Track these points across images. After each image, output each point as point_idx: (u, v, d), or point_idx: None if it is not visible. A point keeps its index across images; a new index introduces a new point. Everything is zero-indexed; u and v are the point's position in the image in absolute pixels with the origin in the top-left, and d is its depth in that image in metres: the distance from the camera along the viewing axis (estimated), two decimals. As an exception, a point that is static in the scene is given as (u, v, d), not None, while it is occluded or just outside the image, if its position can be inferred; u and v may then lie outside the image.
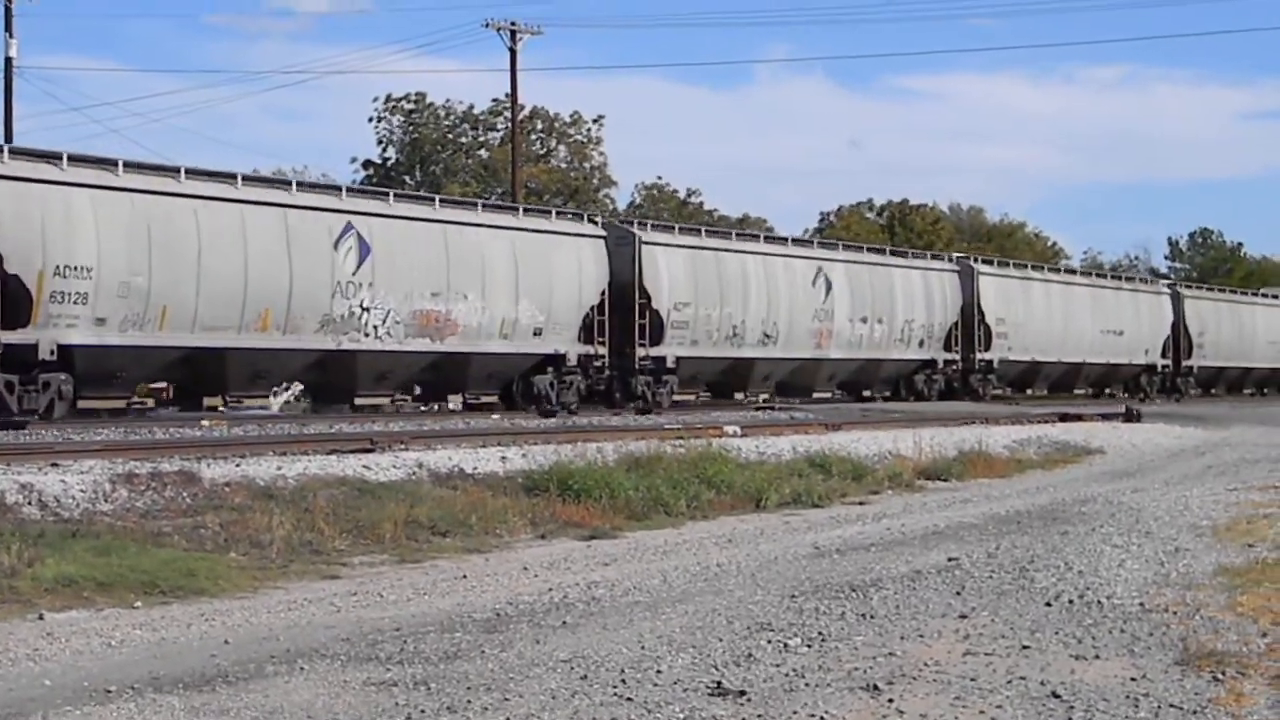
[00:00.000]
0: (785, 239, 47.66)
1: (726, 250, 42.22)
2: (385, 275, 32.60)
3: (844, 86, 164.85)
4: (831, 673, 9.54)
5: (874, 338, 46.59)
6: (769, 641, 10.48)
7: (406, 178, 76.08)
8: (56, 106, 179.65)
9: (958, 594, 12.50)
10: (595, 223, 39.71)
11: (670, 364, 39.35)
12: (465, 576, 14.26)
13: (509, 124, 66.32)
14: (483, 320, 34.85)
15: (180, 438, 23.27)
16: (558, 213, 40.80)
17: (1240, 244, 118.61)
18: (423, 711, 8.68)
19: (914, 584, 13.05)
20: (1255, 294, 75.17)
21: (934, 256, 53.53)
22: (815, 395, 45.38)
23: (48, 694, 9.25)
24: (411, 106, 78.20)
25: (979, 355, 50.93)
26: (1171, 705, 8.82)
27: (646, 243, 39.26)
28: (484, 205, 37.69)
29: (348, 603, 12.72)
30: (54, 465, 17.58)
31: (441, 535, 16.96)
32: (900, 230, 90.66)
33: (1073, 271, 63.16)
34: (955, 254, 57.01)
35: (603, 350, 37.90)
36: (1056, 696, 8.97)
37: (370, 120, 78.88)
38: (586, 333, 37.64)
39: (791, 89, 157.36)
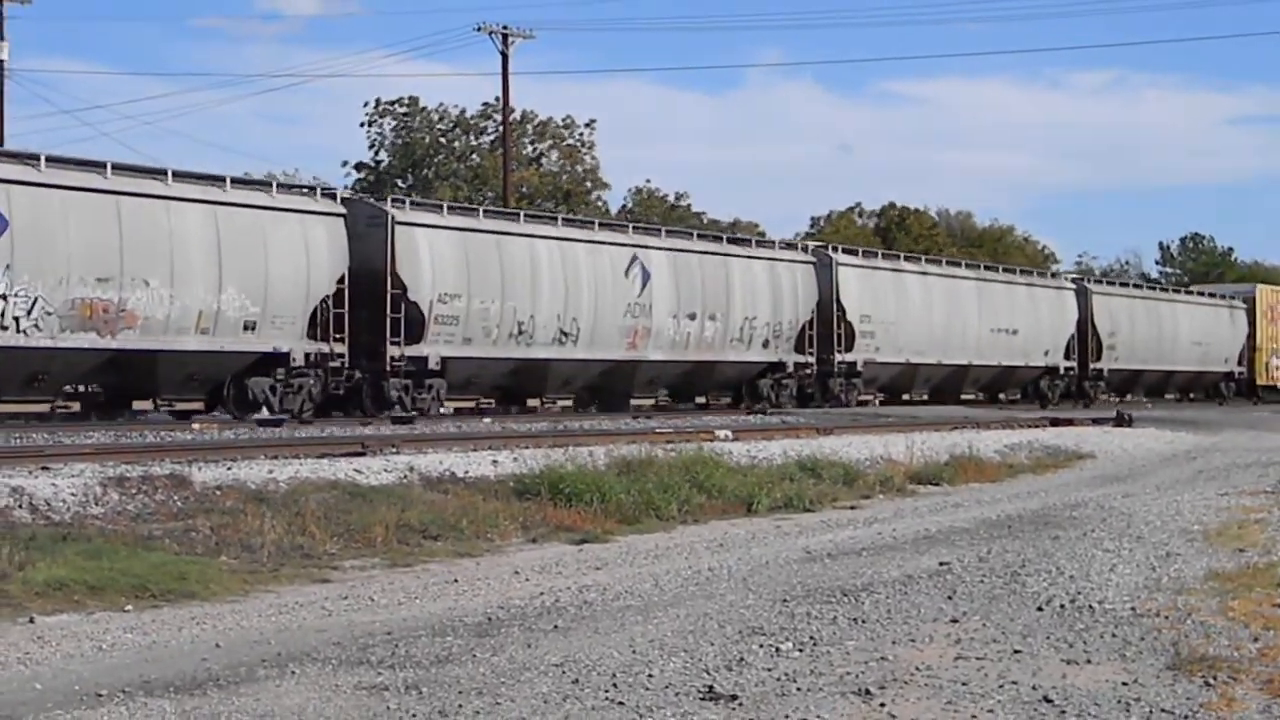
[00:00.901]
0: (592, 221, 42.37)
1: (511, 234, 36.78)
2: (30, 256, 27.48)
3: (834, 91, 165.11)
4: (823, 677, 9.54)
5: (705, 337, 41.46)
6: (761, 646, 10.48)
7: (399, 181, 76.05)
8: (48, 109, 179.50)
9: (949, 598, 12.50)
10: (333, 198, 33.99)
11: (434, 365, 34.14)
12: (456, 580, 14.25)
13: (500, 128, 66.29)
14: (171, 311, 29.59)
15: (171, 441, 23.26)
16: (280, 185, 35.60)
17: (1231, 249, 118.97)
18: (414, 715, 8.68)
19: (905, 588, 13.05)
20: (1177, 290, 71.26)
21: (785, 245, 48.03)
22: (632, 402, 41.10)
23: (38, 697, 9.23)
24: (404, 110, 78.17)
25: (839, 357, 46.11)
26: (1163, 710, 8.82)
27: (402, 222, 33.93)
28: (176, 174, 30.78)
29: (339, 606, 12.71)
30: (44, 468, 17.56)
31: (433, 539, 16.94)
32: (898, 235, 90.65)
33: (956, 264, 56.83)
34: (812, 243, 51.50)
35: (340, 348, 32.63)
36: (1048, 701, 8.97)
37: (361, 125, 78.90)
38: (321, 328, 32.43)
39: (782, 93, 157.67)
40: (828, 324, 45.70)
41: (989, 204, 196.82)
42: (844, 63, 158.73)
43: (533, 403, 38.25)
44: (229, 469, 18.41)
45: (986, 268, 57.03)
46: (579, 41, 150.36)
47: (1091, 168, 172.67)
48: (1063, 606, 12.02)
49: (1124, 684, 9.38)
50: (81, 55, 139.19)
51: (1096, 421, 39.90)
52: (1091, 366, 57.10)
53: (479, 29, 58.18)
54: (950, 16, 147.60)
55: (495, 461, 21.06)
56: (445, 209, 36.83)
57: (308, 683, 9.49)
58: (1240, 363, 68.16)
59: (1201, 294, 70.23)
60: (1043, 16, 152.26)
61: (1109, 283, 64.25)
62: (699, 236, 44.62)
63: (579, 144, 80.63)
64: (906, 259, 52.80)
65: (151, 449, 21.01)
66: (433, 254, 34.40)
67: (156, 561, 14.14)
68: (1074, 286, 57.50)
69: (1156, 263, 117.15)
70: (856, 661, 9.99)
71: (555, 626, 11.36)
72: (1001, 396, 54.32)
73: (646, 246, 40.41)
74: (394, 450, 21.66)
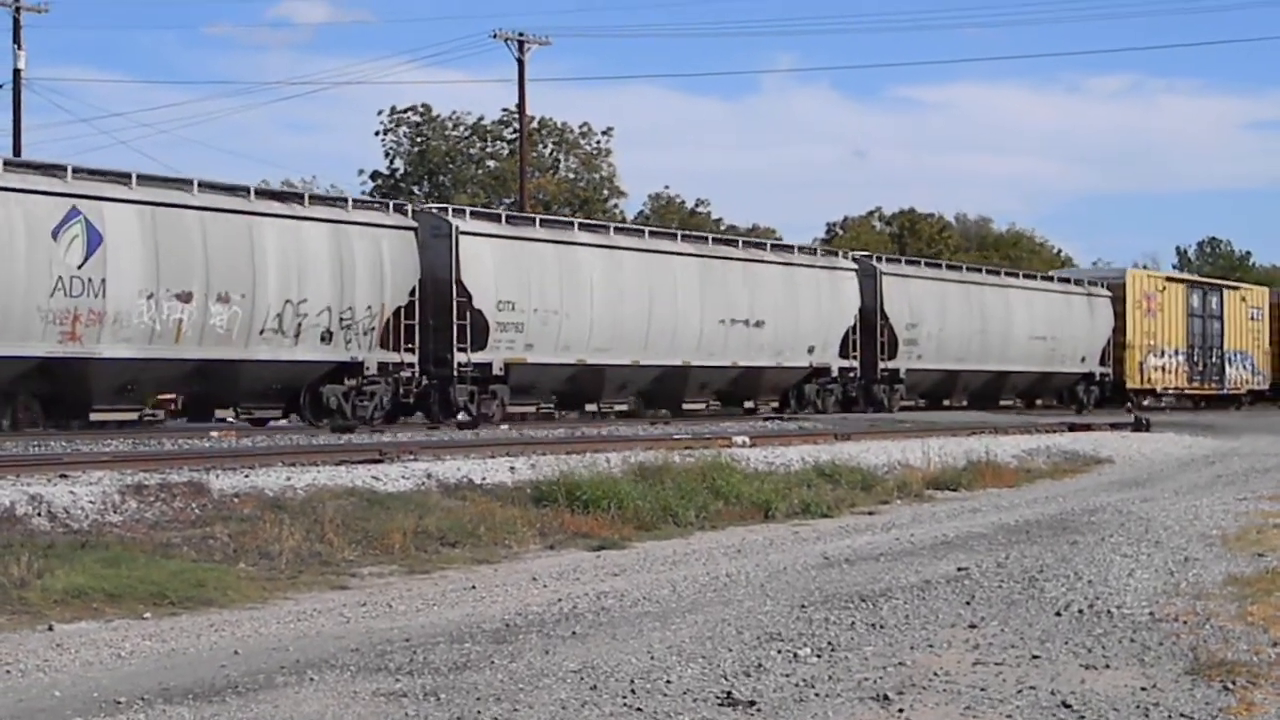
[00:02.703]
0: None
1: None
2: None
3: (850, 97, 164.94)
4: (841, 683, 9.54)
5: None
6: (779, 651, 10.48)
7: (415, 189, 76.13)
8: (65, 118, 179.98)
9: (967, 604, 12.49)
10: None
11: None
12: (474, 587, 14.26)
13: (517, 135, 66.37)
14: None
15: (189, 449, 23.28)
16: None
17: (1249, 253, 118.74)
18: (432, 722, 8.69)
19: (923, 594, 13.05)
20: (1012, 273, 56.48)
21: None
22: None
23: (57, 705, 9.25)
24: (418, 119, 78.26)
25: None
26: (1182, 715, 8.81)
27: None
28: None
29: (357, 613, 12.72)
30: (63, 476, 17.58)
31: (450, 546, 16.96)
32: (909, 240, 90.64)
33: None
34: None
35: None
36: (1067, 706, 8.97)
37: (377, 133, 78.98)
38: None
39: (798, 99, 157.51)
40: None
41: (1006, 209, 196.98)
42: (860, 68, 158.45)
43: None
44: (247, 476, 18.43)
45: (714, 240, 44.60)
46: (595, 48, 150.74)
47: (1108, 172, 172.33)
48: (1081, 611, 12.01)
49: (1143, 689, 9.37)
50: (98, 63, 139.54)
51: (1115, 426, 39.86)
52: (883, 367, 46.20)
53: (495, 36, 58.15)
54: (966, 21, 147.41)
55: (512, 468, 21.07)
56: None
57: (326, 689, 9.50)
58: (1104, 362, 55.91)
59: (1050, 279, 57.95)
60: (1059, 21, 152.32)
61: (910, 262, 52.02)
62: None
63: (595, 151, 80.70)
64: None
65: (169, 457, 21.04)
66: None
67: (175, 569, 14.17)
68: (855, 267, 46.12)
69: (1174, 266, 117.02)
70: (875, 667, 9.99)
71: (573, 633, 11.37)
72: (749, 403, 43.46)
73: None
74: (411, 457, 21.68)
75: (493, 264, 34.65)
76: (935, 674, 9.76)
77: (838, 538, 18.35)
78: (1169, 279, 62.40)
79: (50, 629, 11.93)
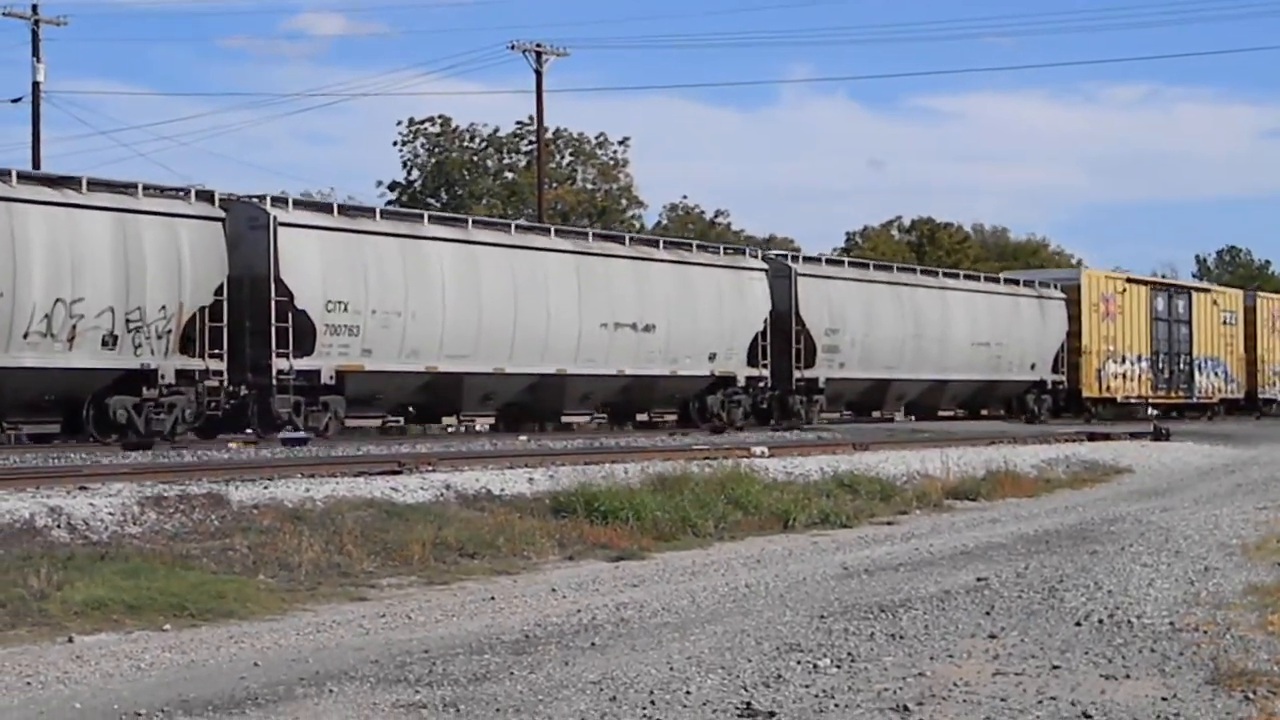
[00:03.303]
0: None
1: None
2: None
3: (867, 107, 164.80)
4: (861, 693, 9.52)
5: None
6: (798, 662, 10.46)
7: (432, 200, 76.21)
8: (84, 130, 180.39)
9: (987, 614, 12.47)
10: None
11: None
12: (493, 598, 14.26)
13: (533, 145, 66.44)
14: None
15: (208, 460, 23.34)
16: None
17: (1268, 261, 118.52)
18: (452, 733, 8.69)
19: (943, 604, 13.03)
20: (951, 274, 52.28)
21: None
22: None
23: (77, 717, 9.27)
24: (436, 130, 78.34)
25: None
26: (1203, 725, 8.79)
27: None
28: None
29: (376, 624, 12.73)
30: (82, 488, 17.62)
31: (469, 557, 16.96)
32: (929, 249, 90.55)
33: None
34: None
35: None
36: (1087, 717, 8.95)
37: (395, 144, 79.08)
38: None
39: (816, 110, 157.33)
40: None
41: (1024, 218, 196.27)
42: (877, 78, 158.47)
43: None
44: (266, 488, 18.46)
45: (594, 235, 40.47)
46: (612, 59, 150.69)
47: (1127, 181, 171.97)
48: (1101, 622, 11.98)
49: (1163, 699, 9.35)
50: (116, 76, 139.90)
51: (1134, 435, 39.80)
52: (799, 376, 42.17)
53: (513, 47, 58.25)
54: (983, 31, 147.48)
55: (531, 479, 21.08)
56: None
57: (346, 701, 9.51)
58: (1058, 369, 52.21)
59: (996, 280, 53.29)
60: (1076, 30, 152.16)
61: (831, 261, 48.22)
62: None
63: (613, 161, 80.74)
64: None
65: (188, 468, 21.09)
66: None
67: (194, 581, 14.19)
68: (764, 266, 41.99)
69: (1193, 275, 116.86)
70: (894, 678, 9.97)
71: (592, 644, 11.36)
72: (645, 415, 39.52)
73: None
74: (430, 468, 21.71)
75: (320, 259, 31.23)
76: (955, 684, 9.74)
77: (857, 548, 18.33)
78: (1130, 280, 58.07)
79: (70, 641, 11.94)
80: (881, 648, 11.03)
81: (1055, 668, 10.25)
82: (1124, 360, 55.17)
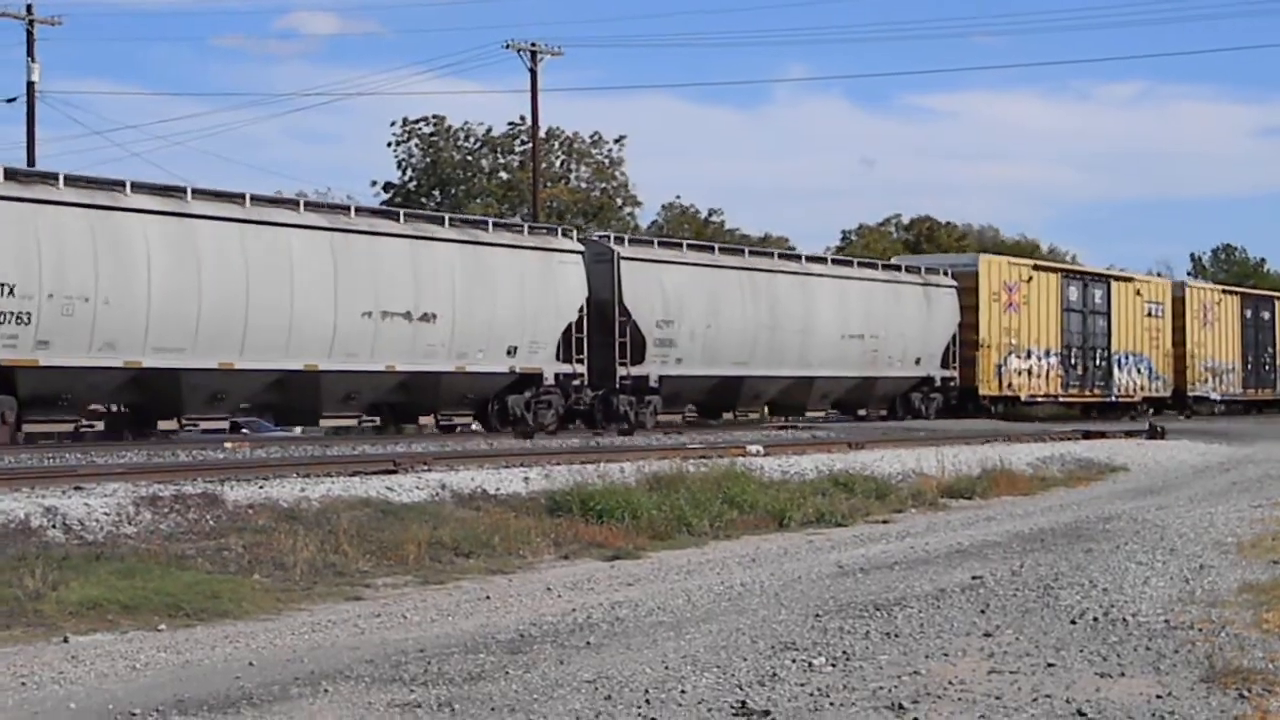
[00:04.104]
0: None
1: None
2: None
3: (861, 106, 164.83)
4: (856, 692, 9.53)
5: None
6: (793, 661, 10.47)
7: (425, 199, 76.14)
8: (79, 130, 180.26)
9: (982, 612, 12.48)
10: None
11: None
12: (489, 597, 14.26)
13: (528, 144, 66.39)
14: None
15: (203, 460, 23.33)
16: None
17: (1264, 260, 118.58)
18: (447, 733, 8.69)
19: (938, 602, 13.03)
20: (818, 259, 47.12)
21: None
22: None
23: (72, 717, 9.27)
24: (430, 130, 78.27)
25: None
26: (1198, 723, 8.80)
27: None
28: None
29: (371, 624, 12.73)
30: (77, 488, 17.62)
31: (465, 556, 16.96)
32: (926, 248, 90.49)
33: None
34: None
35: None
36: (1082, 715, 8.95)
37: (389, 144, 79.01)
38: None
39: (810, 109, 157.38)
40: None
41: (1018, 216, 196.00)
42: (871, 76, 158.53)
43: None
44: (261, 488, 18.46)
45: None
46: (607, 58, 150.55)
47: (1121, 179, 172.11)
48: (1096, 619, 11.99)
49: (1158, 697, 9.35)
50: (111, 76, 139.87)
51: (1130, 434, 39.83)
52: (625, 373, 37.38)
53: (508, 46, 58.14)
54: (976, 29, 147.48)
55: (526, 479, 21.08)
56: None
57: (341, 701, 9.51)
58: (948, 364, 47.83)
59: (873, 265, 48.12)
60: (1070, 28, 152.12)
61: (665, 244, 42.05)
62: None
63: (608, 160, 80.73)
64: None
65: (184, 468, 21.08)
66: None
67: (190, 580, 14.19)
68: (580, 249, 37.27)
69: (1189, 273, 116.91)
70: (889, 676, 9.98)
71: (588, 643, 11.37)
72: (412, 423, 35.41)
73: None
74: (425, 468, 21.70)
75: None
76: (950, 683, 9.75)
77: (852, 546, 18.33)
78: (1037, 267, 53.92)
79: (65, 641, 11.94)
80: (877, 646, 11.04)
81: (1050, 666, 10.26)
82: (1029, 355, 50.92)
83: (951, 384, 48.18)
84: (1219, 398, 62.33)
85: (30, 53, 54.34)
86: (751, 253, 44.52)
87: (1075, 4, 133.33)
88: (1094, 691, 9.51)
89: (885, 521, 22.01)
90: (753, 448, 28.06)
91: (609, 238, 39.92)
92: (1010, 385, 49.88)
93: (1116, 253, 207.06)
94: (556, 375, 35.86)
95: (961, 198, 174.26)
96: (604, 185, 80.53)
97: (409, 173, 78.63)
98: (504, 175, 77.99)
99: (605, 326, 37.13)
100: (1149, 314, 57.80)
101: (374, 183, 79.87)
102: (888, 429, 40.23)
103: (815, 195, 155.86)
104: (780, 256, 45.08)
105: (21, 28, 54.79)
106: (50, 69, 75.94)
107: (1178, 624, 11.76)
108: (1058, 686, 9.64)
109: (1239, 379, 63.92)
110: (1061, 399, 53.30)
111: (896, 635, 11.46)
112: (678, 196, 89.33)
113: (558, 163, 79.86)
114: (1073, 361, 53.37)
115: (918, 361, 47.00)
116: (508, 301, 34.73)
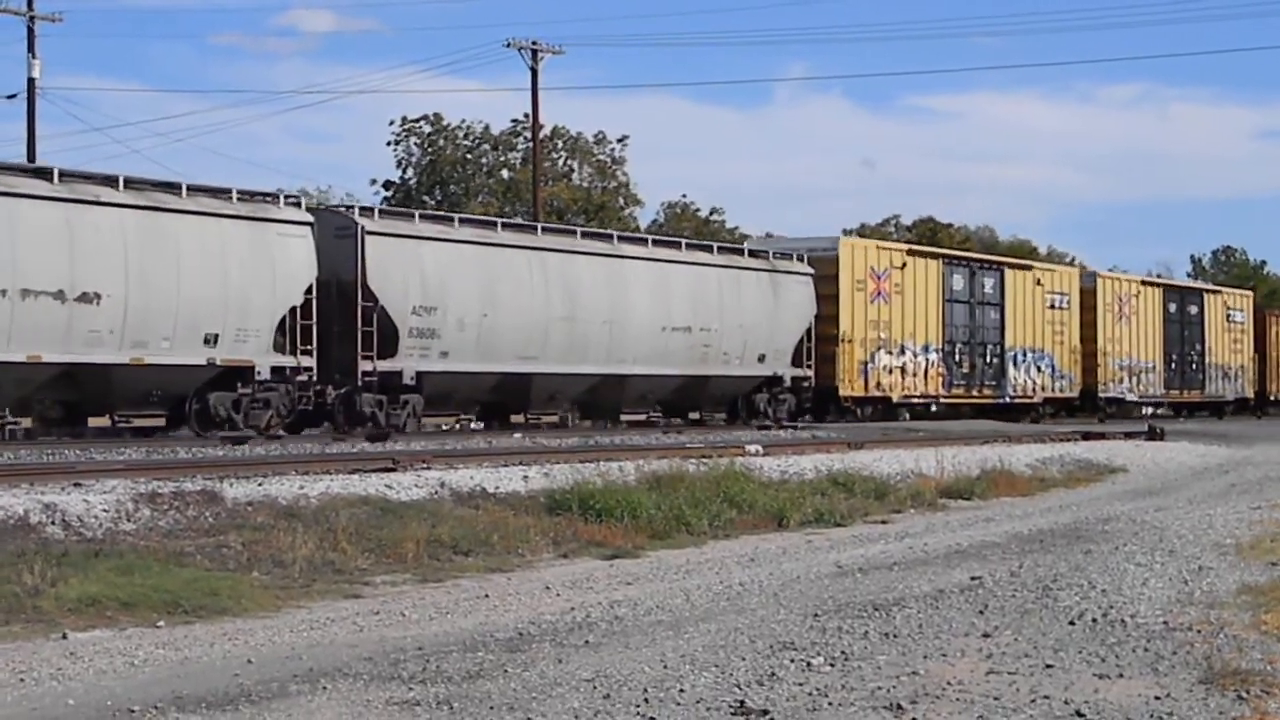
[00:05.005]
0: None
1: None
2: None
3: (862, 106, 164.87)
4: (855, 692, 9.53)
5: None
6: (792, 660, 10.47)
7: (426, 198, 76.13)
8: (79, 127, 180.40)
9: (981, 613, 12.48)
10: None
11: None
12: (487, 596, 14.26)
13: (530, 143, 66.39)
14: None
15: (202, 457, 23.32)
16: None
17: (1264, 262, 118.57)
18: (445, 731, 8.69)
19: (937, 603, 13.03)
20: (626, 240, 39.95)
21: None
22: None
23: (71, 714, 9.27)
24: (429, 129, 78.24)
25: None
26: (1196, 724, 8.80)
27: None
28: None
29: (370, 622, 12.73)
30: (76, 485, 17.63)
31: (464, 554, 16.96)
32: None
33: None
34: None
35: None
36: (1080, 716, 8.95)
37: (388, 143, 78.96)
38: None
39: (811, 109, 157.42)
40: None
41: (1020, 218, 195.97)
42: (872, 77, 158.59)
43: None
44: (260, 485, 18.46)
45: None
46: (608, 57, 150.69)
47: (1122, 181, 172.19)
48: (1095, 620, 11.99)
49: (1156, 698, 9.36)
50: (111, 73, 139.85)
51: (1128, 435, 39.84)
52: (371, 368, 31.27)
53: (508, 45, 58.14)
54: (978, 30, 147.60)
55: (526, 477, 21.08)
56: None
57: (339, 698, 9.51)
58: (801, 362, 41.88)
59: (708, 248, 41.81)
60: (1071, 30, 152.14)
61: (429, 218, 35.42)
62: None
63: (610, 159, 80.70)
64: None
65: (183, 465, 21.07)
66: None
67: (188, 577, 14.18)
68: (309, 219, 31.10)
69: (1188, 275, 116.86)
70: (888, 676, 9.98)
71: (586, 642, 11.36)
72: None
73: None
74: (425, 466, 21.70)
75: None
76: (949, 683, 9.75)
77: (851, 546, 18.33)
78: (911, 252, 47.64)
79: (64, 637, 11.94)
80: (875, 646, 11.03)
81: (1049, 667, 10.26)
82: (903, 351, 45.37)
83: (805, 384, 42.20)
84: (1136, 399, 57.37)
85: (31, 49, 54.37)
86: (545, 230, 37.65)
87: (1077, 5, 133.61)
88: (1092, 692, 9.51)
89: (884, 522, 22.01)
90: (752, 447, 28.07)
91: (354, 209, 33.30)
92: (879, 385, 44.33)
93: (1117, 255, 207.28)
94: (275, 369, 29.90)
95: (963, 199, 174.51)
96: (606, 184, 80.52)
97: (409, 171, 78.64)
98: (505, 174, 77.98)
99: (348, 313, 31.27)
100: (1052, 305, 52.47)
101: (373, 181, 79.90)
102: (887, 429, 40.01)
103: (816, 196, 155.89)
104: (584, 235, 38.81)
105: (22, 24, 54.86)
106: (50, 65, 76.01)
107: (1176, 625, 11.76)
108: (1056, 687, 9.64)
109: (1160, 379, 58.86)
110: (944, 400, 47.45)
111: (895, 635, 11.45)
112: (683, 195, 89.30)
113: (561, 162, 79.87)
114: (958, 358, 47.92)
115: (761, 359, 40.97)
116: (204, 282, 28.84)
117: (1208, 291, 64.97)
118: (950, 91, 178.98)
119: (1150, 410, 57.40)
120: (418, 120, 78.10)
